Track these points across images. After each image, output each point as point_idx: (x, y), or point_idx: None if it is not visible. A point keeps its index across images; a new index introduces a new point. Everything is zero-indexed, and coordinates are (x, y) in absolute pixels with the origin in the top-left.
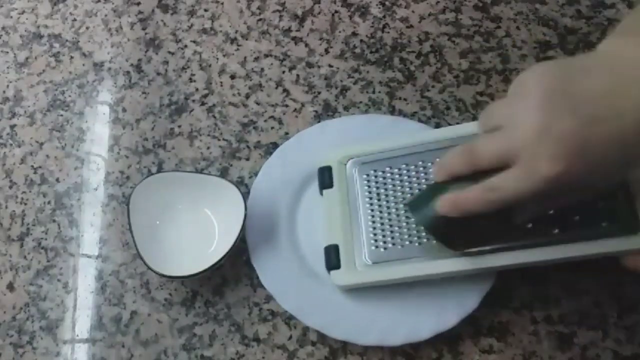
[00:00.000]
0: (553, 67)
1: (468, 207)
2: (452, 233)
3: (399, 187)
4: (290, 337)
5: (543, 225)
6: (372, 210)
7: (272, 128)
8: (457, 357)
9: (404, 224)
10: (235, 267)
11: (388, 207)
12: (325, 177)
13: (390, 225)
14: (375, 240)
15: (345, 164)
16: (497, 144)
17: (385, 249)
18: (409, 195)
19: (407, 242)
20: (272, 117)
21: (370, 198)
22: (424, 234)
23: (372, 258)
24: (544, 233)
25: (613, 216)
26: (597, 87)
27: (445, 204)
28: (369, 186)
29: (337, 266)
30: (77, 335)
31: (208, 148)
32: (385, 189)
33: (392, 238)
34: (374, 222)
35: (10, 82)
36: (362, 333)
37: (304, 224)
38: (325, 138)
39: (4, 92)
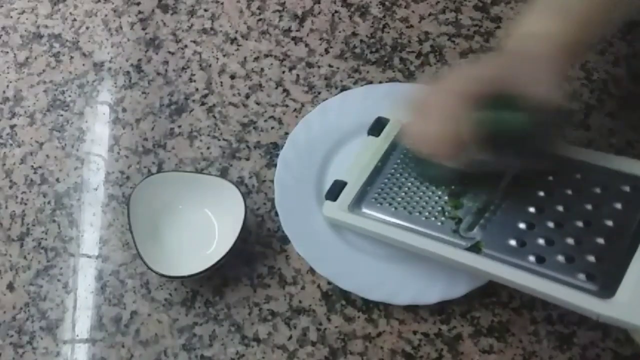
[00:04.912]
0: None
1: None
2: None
3: None
4: (290, 337)
5: (521, 248)
6: (393, 173)
7: (272, 128)
8: (457, 357)
9: (411, 193)
10: (235, 267)
11: (408, 176)
12: (378, 126)
13: (398, 188)
14: (378, 194)
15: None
16: None
17: (380, 204)
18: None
19: (402, 208)
20: (272, 117)
21: (398, 164)
22: (416, 204)
23: (366, 206)
24: (519, 256)
25: (594, 273)
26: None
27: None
28: (404, 154)
29: (334, 199)
30: (77, 335)
31: (208, 148)
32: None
33: (393, 199)
34: (387, 181)
35: (10, 82)
36: (398, 294)
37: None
38: (368, 101)
39: (4, 92)
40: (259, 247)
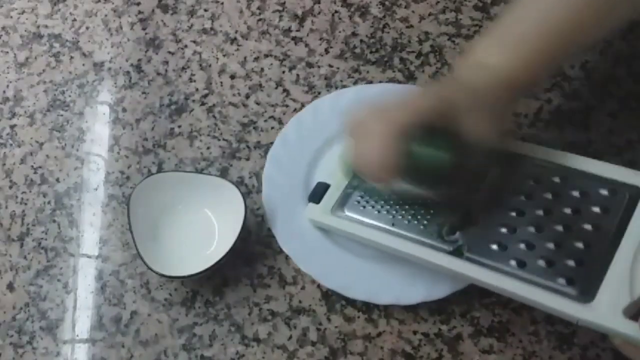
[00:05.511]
0: None
1: None
2: None
3: None
4: (290, 337)
5: (503, 252)
6: None
7: (272, 128)
8: (457, 357)
9: (394, 196)
10: (235, 267)
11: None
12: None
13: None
14: (362, 197)
15: None
16: None
17: (363, 207)
18: None
19: (384, 212)
20: (272, 117)
21: None
22: (399, 207)
23: (349, 209)
24: (501, 260)
25: (574, 277)
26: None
27: None
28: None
29: (317, 202)
30: (77, 335)
31: (208, 148)
32: None
33: (375, 202)
34: (371, 186)
35: (10, 82)
36: (380, 293)
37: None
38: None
39: (4, 92)
40: (259, 247)
